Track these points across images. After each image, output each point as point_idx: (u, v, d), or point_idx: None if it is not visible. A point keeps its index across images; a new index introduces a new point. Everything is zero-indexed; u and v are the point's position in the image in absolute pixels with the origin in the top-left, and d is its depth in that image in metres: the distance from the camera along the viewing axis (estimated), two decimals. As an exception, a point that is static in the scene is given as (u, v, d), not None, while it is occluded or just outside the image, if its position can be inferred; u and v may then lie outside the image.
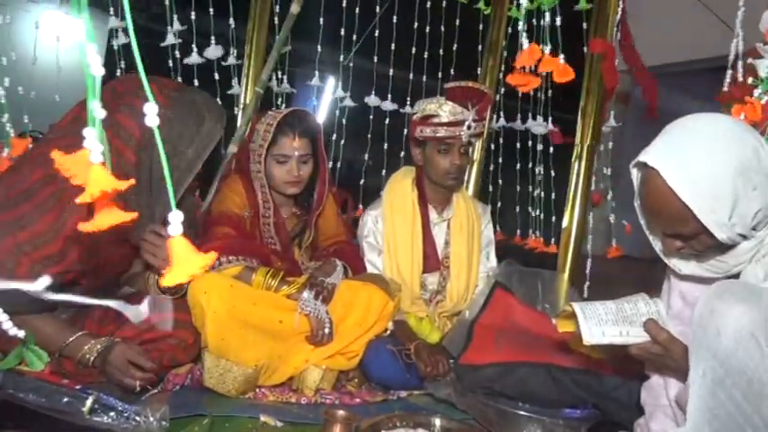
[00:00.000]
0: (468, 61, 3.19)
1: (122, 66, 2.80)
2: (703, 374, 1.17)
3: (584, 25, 2.56)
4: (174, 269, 0.59)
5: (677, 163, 1.22)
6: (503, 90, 3.19)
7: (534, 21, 1.90)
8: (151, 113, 0.62)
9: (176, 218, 0.60)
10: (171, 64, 2.76)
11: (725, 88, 1.96)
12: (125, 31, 2.71)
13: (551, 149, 3.09)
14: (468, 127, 2.15)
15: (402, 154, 3.15)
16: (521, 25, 1.72)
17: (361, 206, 3.09)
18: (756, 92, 1.78)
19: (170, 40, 2.67)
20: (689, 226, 1.23)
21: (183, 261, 0.59)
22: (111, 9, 2.67)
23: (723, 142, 1.22)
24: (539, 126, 3.00)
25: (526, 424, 1.70)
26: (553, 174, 3.14)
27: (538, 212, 3.10)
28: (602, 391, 1.73)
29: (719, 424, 1.16)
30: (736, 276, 1.32)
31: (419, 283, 2.25)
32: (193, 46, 2.74)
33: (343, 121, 3.18)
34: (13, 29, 2.65)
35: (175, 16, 2.65)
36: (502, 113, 3.32)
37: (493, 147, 3.40)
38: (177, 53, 2.74)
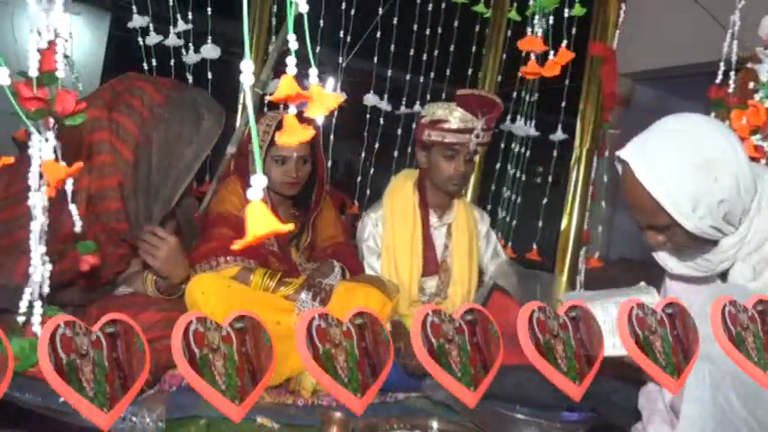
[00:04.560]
0: (468, 63, 3.19)
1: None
2: (702, 379, 1.18)
3: (573, 30, 2.59)
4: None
5: (644, 155, 1.29)
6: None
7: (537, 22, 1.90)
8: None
9: (259, 181, 0.64)
10: (173, 63, 2.78)
11: (730, 90, 1.96)
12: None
13: (528, 152, 3.09)
14: (477, 135, 2.15)
15: (395, 154, 3.15)
16: (536, 19, 1.74)
17: (356, 202, 3.09)
18: (758, 96, 1.78)
19: (172, 40, 2.69)
20: (658, 217, 1.29)
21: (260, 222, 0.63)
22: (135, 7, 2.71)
23: (689, 136, 1.29)
24: (519, 128, 3.00)
25: (523, 427, 1.69)
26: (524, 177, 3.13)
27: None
28: (600, 395, 1.72)
29: (721, 429, 1.17)
30: (724, 275, 1.36)
31: (418, 286, 2.25)
32: (190, 45, 2.77)
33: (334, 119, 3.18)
34: (11, 28, 2.65)
35: (179, 16, 2.67)
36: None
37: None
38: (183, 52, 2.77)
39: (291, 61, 0.74)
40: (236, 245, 0.64)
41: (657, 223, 1.31)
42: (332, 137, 3.19)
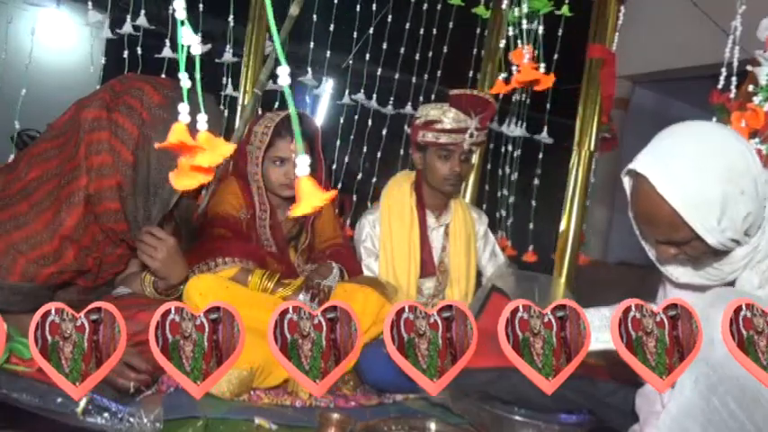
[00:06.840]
0: (468, 65, 3.20)
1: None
2: (696, 380, 1.18)
3: (560, 32, 2.60)
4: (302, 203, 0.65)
5: (665, 169, 1.24)
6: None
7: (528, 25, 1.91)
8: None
9: (303, 161, 0.65)
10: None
11: (731, 95, 1.95)
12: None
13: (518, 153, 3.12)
14: (471, 135, 2.16)
15: (402, 153, 3.15)
16: (511, 30, 1.75)
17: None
18: (757, 99, 1.78)
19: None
20: (680, 232, 1.24)
21: (309, 196, 0.64)
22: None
23: (710, 147, 1.24)
24: (514, 130, 3.02)
25: (521, 429, 1.69)
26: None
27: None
28: (598, 397, 1.72)
29: (715, 430, 1.17)
30: (732, 284, 1.33)
31: (416, 287, 2.25)
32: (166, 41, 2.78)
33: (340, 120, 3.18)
34: (11, 28, 2.65)
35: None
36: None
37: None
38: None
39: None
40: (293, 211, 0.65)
41: (675, 238, 1.27)
42: (338, 141, 3.20)
